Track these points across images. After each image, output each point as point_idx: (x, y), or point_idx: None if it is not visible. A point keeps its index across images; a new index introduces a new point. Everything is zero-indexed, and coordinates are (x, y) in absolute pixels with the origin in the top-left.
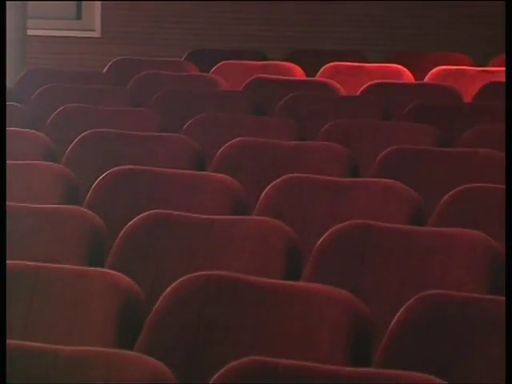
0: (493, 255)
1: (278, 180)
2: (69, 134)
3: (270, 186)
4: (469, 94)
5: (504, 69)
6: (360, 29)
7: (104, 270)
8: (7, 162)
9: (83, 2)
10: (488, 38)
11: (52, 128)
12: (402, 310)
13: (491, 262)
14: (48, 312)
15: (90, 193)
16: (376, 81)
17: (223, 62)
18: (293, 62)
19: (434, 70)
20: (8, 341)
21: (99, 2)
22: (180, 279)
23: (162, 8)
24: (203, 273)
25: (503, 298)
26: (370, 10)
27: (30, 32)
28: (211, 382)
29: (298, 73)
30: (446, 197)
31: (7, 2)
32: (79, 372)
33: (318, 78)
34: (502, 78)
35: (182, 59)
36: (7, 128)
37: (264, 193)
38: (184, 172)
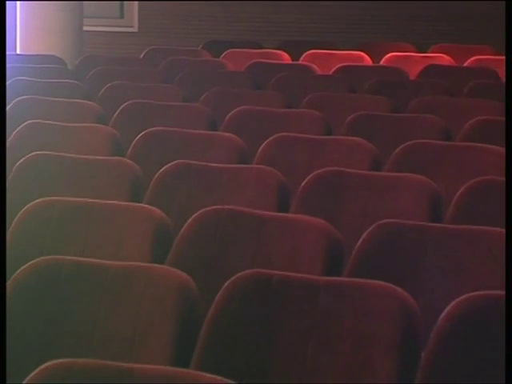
0: (432, 193)
1: (272, 138)
2: (115, 103)
3: (265, 143)
4: (413, 73)
5: (440, 54)
6: (333, 25)
7: (142, 205)
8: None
9: (125, 3)
10: (427, 32)
11: (103, 99)
12: (364, 234)
13: (431, 198)
14: (100, 237)
15: (130, 148)
16: (344, 64)
17: (229, 50)
18: (282, 50)
19: (387, 55)
20: (69, 257)
21: (137, 4)
22: (198, 212)
23: (185, 9)
24: (215, 207)
25: (442, 225)
26: (341, 10)
27: (85, 28)
28: (221, 290)
29: (285, 58)
30: (397, 149)
31: (68, 3)
32: (124, 282)
33: (300, 62)
34: (438, 61)
35: (199, 48)
36: (68, 100)
37: (261, 147)
38: (201, 132)
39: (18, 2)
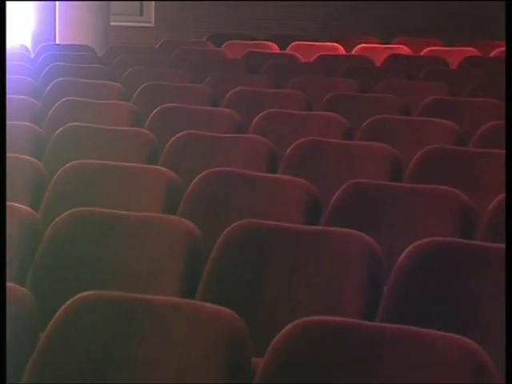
0: (393, 158)
1: (263, 113)
2: (135, 84)
3: (258, 117)
4: (378, 61)
5: (400, 46)
6: (313, 22)
7: (157, 167)
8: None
9: (144, 3)
10: (390, 27)
11: (125, 81)
12: (338, 191)
13: (393, 162)
14: (122, 193)
15: (148, 120)
16: (322, 53)
17: (229, 42)
18: (271, 41)
19: (358, 47)
20: (98, 209)
21: (153, 4)
22: (203, 173)
23: (193, 8)
24: (217, 169)
25: (402, 184)
26: (320, 9)
27: (111, 23)
28: (221, 236)
29: (274, 48)
30: (365, 123)
31: (98, 3)
32: (142, 229)
33: (287, 51)
34: (399, 51)
35: (204, 40)
36: (96, 81)
37: (254, 121)
38: (205, 108)
39: (57, 2)
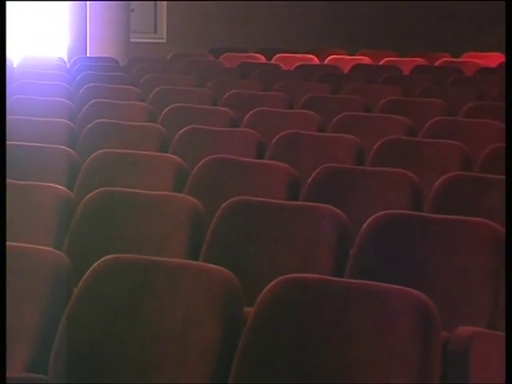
0: (357, 146)
1: (253, 111)
2: (151, 88)
3: (249, 113)
4: (346, 69)
5: (362, 57)
6: (293, 37)
7: (167, 154)
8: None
9: (157, 22)
10: (355, 42)
11: (143, 86)
12: (313, 175)
13: (356, 149)
14: (139, 178)
15: (160, 117)
16: (300, 63)
17: (226, 54)
18: (260, 53)
19: (329, 57)
20: (118, 189)
21: (165, 23)
22: (205, 159)
23: (197, 27)
24: (218, 156)
25: (364, 167)
26: (298, 29)
27: (131, 40)
28: (219, 210)
29: (262, 59)
30: (335, 119)
31: (120, 23)
32: (154, 205)
33: (272, 61)
34: (361, 62)
35: (206, 52)
36: (119, 86)
37: (246, 116)
38: (207, 107)
39: (87, 22)
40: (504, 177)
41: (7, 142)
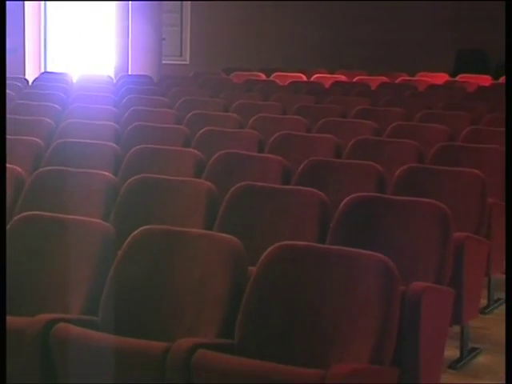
0: (336, 144)
1: (255, 116)
2: (177, 98)
3: (252, 118)
4: (327, 85)
5: (339, 75)
6: (287, 60)
7: (190, 149)
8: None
9: (182, 48)
10: (333, 63)
11: (171, 96)
12: (301, 166)
13: (335, 146)
14: (168, 169)
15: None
16: (292, 79)
17: (235, 73)
18: (261, 72)
19: (314, 76)
20: (151, 175)
21: (189, 48)
22: (217, 154)
23: (213, 52)
24: (227, 151)
25: (341, 160)
26: (289, 54)
27: (163, 61)
28: (229, 193)
29: (263, 76)
30: (319, 123)
31: (154, 48)
32: (177, 188)
33: (270, 78)
34: (339, 79)
35: (220, 71)
36: (152, 97)
37: (250, 121)
38: (232, 131)
39: (129, 48)
40: (448, 168)
41: (70, 139)
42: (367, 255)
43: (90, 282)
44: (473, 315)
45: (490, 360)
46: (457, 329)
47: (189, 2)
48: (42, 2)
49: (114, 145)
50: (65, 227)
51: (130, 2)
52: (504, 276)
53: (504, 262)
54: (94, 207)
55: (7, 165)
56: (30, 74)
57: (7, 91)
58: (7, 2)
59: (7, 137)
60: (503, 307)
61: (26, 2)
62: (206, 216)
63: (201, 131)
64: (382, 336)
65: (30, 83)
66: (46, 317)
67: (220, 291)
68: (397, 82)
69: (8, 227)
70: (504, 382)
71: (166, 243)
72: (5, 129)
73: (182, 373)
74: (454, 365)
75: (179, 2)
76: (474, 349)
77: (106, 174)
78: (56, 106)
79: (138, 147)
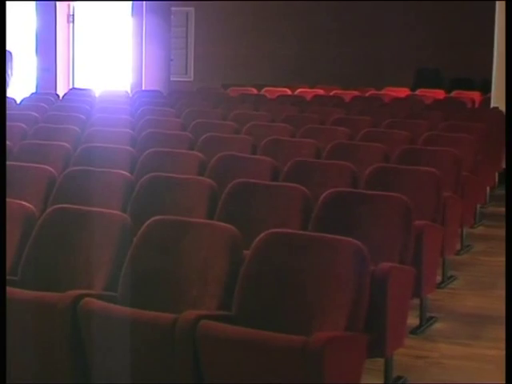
0: (316, 147)
1: (249, 124)
2: (183, 109)
3: (246, 126)
4: (308, 97)
5: (319, 90)
6: (275, 77)
7: (194, 152)
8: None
9: (187, 66)
10: (313, 79)
11: (178, 108)
12: (287, 165)
13: (315, 149)
14: (180, 170)
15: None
16: (279, 94)
17: (231, 88)
18: (253, 87)
19: (298, 90)
20: (163, 174)
21: (193, 67)
22: (217, 155)
23: (212, 71)
24: (227, 153)
25: (322, 161)
26: (277, 71)
27: (171, 79)
28: (227, 188)
29: (255, 91)
30: (302, 130)
31: (163, 66)
32: (183, 186)
33: (261, 92)
34: (318, 93)
35: (219, 86)
36: (161, 108)
37: (244, 128)
38: (230, 136)
39: (143, 68)
40: (409, 167)
41: (93, 144)
42: (343, 240)
43: (111, 264)
44: (430, 290)
45: (444, 326)
46: (417, 301)
47: (192, 30)
48: (71, 28)
49: (131, 148)
50: (89, 217)
51: (144, 29)
52: (456, 257)
53: (455, 245)
54: (113, 201)
55: (42, 166)
56: (61, 90)
57: (42, 104)
58: (42, 29)
59: (42, 142)
60: (456, 283)
61: (57, 28)
62: (208, 208)
63: (203, 136)
64: (355, 308)
65: (61, 97)
66: (74, 293)
67: (220, 271)
68: (366, 95)
69: (42, 218)
70: (456, 345)
71: (174, 231)
72: (5, 127)
73: (188, 340)
74: (415, 331)
75: (185, 29)
76: (431, 317)
77: (124, 172)
78: (82, 116)
79: (150, 150)
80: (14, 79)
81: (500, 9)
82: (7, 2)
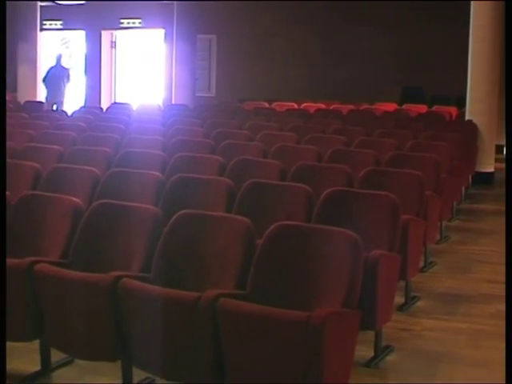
0: (316, 152)
1: (261, 133)
2: (206, 119)
3: (259, 135)
4: (312, 111)
5: (321, 104)
6: (283, 93)
7: (214, 155)
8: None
9: (211, 84)
10: (317, 95)
11: (202, 119)
12: (293, 167)
13: (316, 154)
14: (198, 171)
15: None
16: (287, 107)
17: (247, 102)
18: (265, 101)
19: (303, 104)
20: (187, 175)
21: (215, 84)
22: (235, 159)
23: (231, 88)
24: (243, 157)
25: (320, 164)
26: (285, 88)
27: (197, 94)
28: (243, 187)
29: (266, 105)
30: (306, 137)
31: (189, 85)
32: (205, 185)
33: (272, 106)
34: (321, 106)
35: (236, 101)
36: (189, 119)
37: (257, 136)
38: (242, 142)
39: (173, 86)
40: (397, 169)
41: (131, 149)
42: (340, 231)
43: (145, 250)
44: (414, 273)
45: (425, 304)
46: (402, 283)
47: (215, 54)
48: (114, 53)
49: (162, 153)
50: (127, 211)
51: (174, 53)
52: (435, 246)
53: (435, 236)
54: (147, 197)
55: (89, 167)
56: (104, 104)
57: (88, 116)
58: (90, 53)
59: (88, 148)
60: (435, 267)
61: (102, 52)
62: (226, 203)
63: (223, 143)
64: (350, 288)
65: (104, 110)
66: (114, 274)
67: (236, 257)
68: (361, 109)
69: (88, 211)
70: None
71: (197, 223)
72: (5, 127)
73: (209, 315)
74: (401, 308)
75: (208, 53)
76: (414, 297)
77: (156, 173)
78: (121, 126)
79: (178, 155)
80: (67, 95)
81: (474, 37)
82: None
